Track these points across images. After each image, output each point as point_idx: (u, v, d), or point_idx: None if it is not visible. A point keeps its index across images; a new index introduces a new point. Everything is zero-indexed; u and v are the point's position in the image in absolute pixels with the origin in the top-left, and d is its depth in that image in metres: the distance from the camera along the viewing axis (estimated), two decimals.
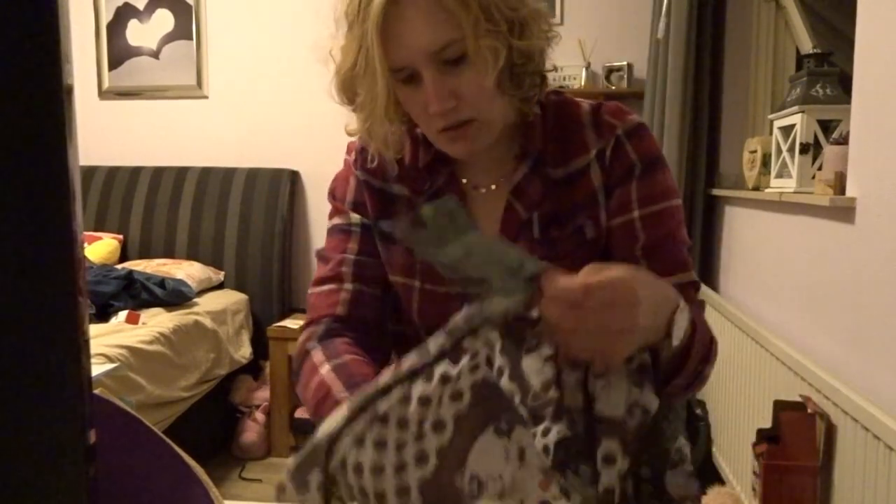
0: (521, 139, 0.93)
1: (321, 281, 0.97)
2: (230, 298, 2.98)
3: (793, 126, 1.92)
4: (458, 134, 0.85)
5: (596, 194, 0.92)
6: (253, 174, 3.24)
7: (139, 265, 2.96)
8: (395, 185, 0.97)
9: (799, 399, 1.59)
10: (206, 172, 3.28)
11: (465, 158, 0.92)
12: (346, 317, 0.94)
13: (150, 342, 2.27)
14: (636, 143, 0.92)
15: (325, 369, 0.86)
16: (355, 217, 0.98)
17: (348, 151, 1.02)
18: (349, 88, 0.91)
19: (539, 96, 0.92)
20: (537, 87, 0.90)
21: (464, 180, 0.96)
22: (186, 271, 2.92)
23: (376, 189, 0.97)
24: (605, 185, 0.92)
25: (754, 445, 1.63)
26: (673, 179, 0.95)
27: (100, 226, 3.28)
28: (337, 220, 1.00)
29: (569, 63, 3.05)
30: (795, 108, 1.88)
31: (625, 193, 0.91)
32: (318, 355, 0.89)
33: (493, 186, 0.95)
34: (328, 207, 1.09)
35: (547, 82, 0.92)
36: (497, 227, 0.93)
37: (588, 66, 3.00)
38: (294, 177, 3.29)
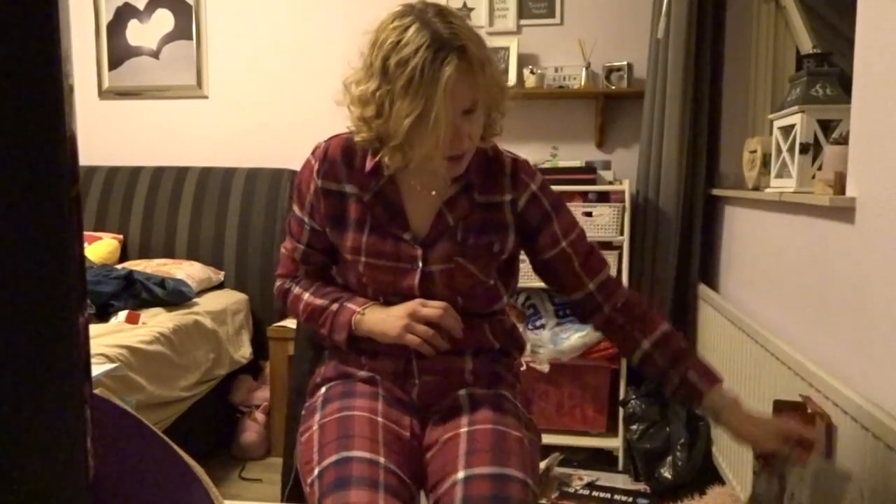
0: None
1: (286, 252, 1.40)
2: (230, 298, 2.98)
3: (793, 126, 1.92)
4: (457, 161, 1.19)
5: (507, 225, 1.29)
6: (253, 174, 3.24)
7: (139, 265, 2.96)
8: (346, 185, 1.27)
9: (799, 399, 1.59)
10: (206, 172, 3.28)
11: (443, 179, 1.25)
12: (303, 277, 1.39)
13: (150, 342, 2.27)
14: (546, 194, 1.31)
15: (307, 295, 1.34)
16: (309, 220, 1.33)
17: (314, 154, 1.31)
18: (379, 114, 1.15)
19: (488, 143, 1.28)
20: (492, 136, 1.27)
21: (409, 182, 1.27)
22: (186, 271, 2.92)
23: (333, 192, 1.28)
24: (520, 224, 1.30)
25: None
26: (572, 214, 1.36)
27: (100, 226, 3.28)
28: (298, 212, 1.35)
29: (569, 63, 3.05)
30: (795, 108, 1.88)
31: (551, 233, 1.31)
32: (297, 290, 1.36)
33: (433, 192, 1.27)
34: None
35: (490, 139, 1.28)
36: (429, 224, 1.26)
37: (588, 66, 3.00)
38: (294, 177, 3.29)
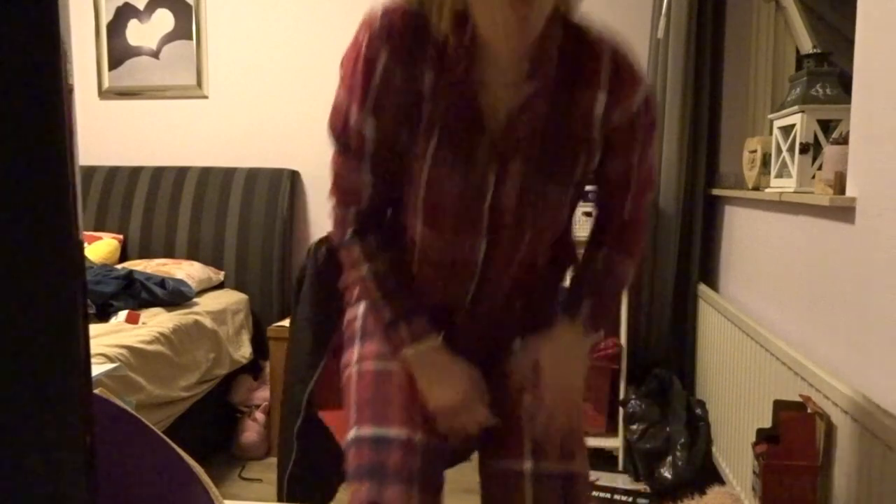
0: (537, 57, 1.01)
1: (348, 168, 1.09)
2: (230, 298, 2.98)
3: (793, 126, 1.92)
4: (523, 7, 0.92)
5: (594, 132, 1.05)
6: (253, 174, 3.24)
7: (139, 265, 2.96)
8: (421, 72, 1.01)
9: (799, 399, 1.59)
10: (206, 172, 3.28)
11: (515, 32, 0.95)
12: (367, 209, 1.11)
13: (150, 342, 2.27)
14: (648, 115, 1.07)
15: (365, 269, 1.11)
16: (373, 119, 1.03)
17: (369, 29, 1.00)
18: None
19: (571, 9, 1.03)
20: (573, 5, 1.02)
21: (482, 77, 1.02)
22: (186, 271, 2.92)
23: (404, 80, 1.01)
24: (606, 132, 1.06)
25: (754, 445, 1.63)
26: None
27: (100, 226, 3.28)
28: (355, 116, 1.04)
29: None
30: (795, 107, 1.88)
31: (627, 156, 1.09)
32: (356, 252, 1.12)
33: (509, 77, 1.02)
34: (328, 207, 1.18)
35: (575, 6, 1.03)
36: (501, 129, 1.03)
37: None
38: (294, 177, 3.29)
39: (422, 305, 1.12)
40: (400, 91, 1.02)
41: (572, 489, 1.07)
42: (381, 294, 1.11)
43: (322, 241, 1.80)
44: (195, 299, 2.81)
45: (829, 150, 1.69)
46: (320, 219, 3.28)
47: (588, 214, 2.77)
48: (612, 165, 1.10)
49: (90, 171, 3.36)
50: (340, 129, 1.07)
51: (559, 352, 1.13)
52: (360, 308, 1.22)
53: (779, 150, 2.03)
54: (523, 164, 1.04)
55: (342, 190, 1.11)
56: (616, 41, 1.05)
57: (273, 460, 2.78)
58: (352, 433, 1.09)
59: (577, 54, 1.03)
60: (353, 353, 1.19)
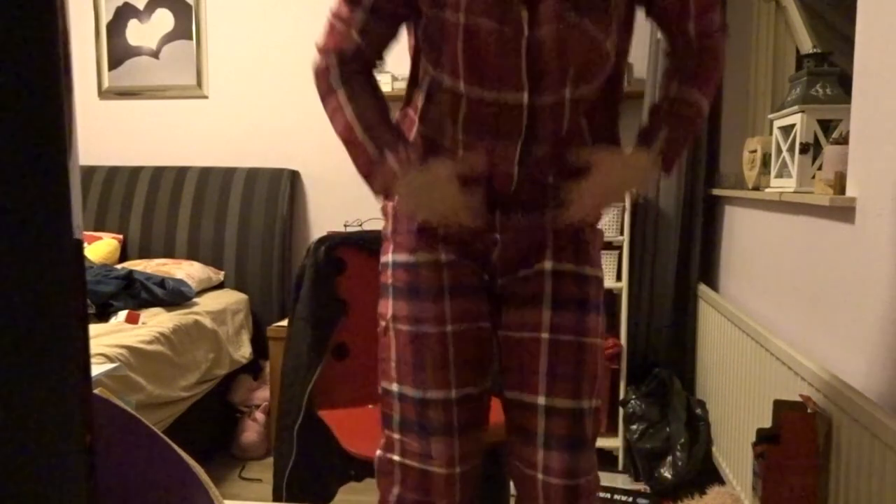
0: None
1: (337, 22, 1.17)
2: (230, 298, 2.98)
3: (793, 126, 1.92)
4: None
5: None
6: (253, 174, 3.24)
7: (139, 265, 2.96)
8: None
9: (799, 399, 1.59)
10: (206, 172, 3.28)
11: None
12: (355, 52, 1.17)
13: (150, 342, 2.27)
14: None
15: (349, 111, 1.15)
16: None
17: None
18: None
19: None
20: None
21: None
22: (186, 271, 2.92)
23: None
24: None
25: (754, 445, 1.63)
26: None
27: (100, 226, 3.28)
28: None
29: None
30: (795, 107, 1.88)
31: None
32: (341, 96, 1.16)
33: None
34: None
35: None
36: None
37: None
38: (294, 177, 3.29)
39: (403, 136, 1.16)
40: None
41: (581, 426, 1.20)
42: (364, 128, 1.14)
43: (322, 240, 1.84)
44: (195, 299, 2.81)
45: (829, 150, 1.69)
46: (320, 219, 3.28)
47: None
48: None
49: (90, 171, 3.36)
50: None
51: (615, 171, 1.14)
52: (389, 256, 1.27)
53: (779, 150, 2.03)
54: (556, 2, 1.06)
55: (331, 35, 1.18)
56: None
57: (273, 460, 2.78)
58: (394, 387, 1.23)
59: None
60: (387, 307, 1.27)
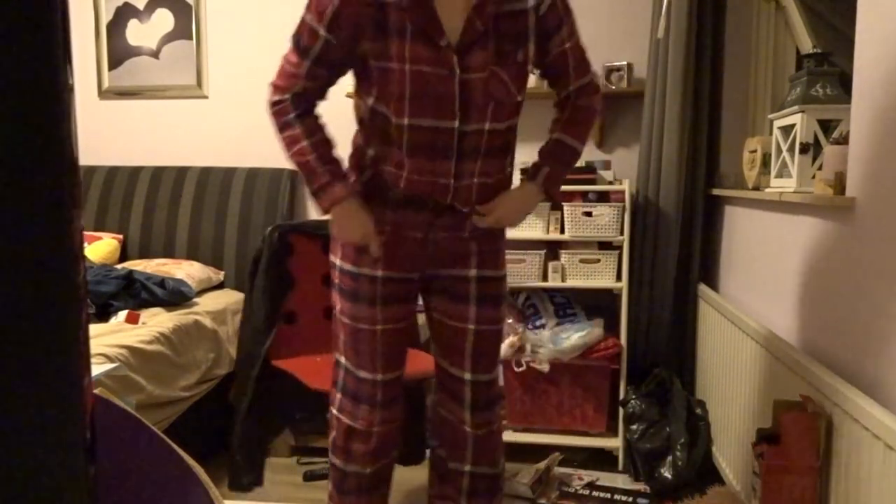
0: None
1: (290, 67, 1.50)
2: (230, 298, 2.98)
3: (793, 126, 1.92)
4: None
5: (528, 33, 1.49)
6: (253, 174, 3.24)
7: (139, 265, 2.96)
8: None
9: (799, 399, 1.59)
10: (206, 172, 3.28)
11: None
12: (303, 92, 1.50)
13: (150, 342, 2.27)
14: (562, 1, 1.51)
15: (305, 143, 1.50)
16: (324, 33, 1.42)
17: None
18: None
19: None
20: None
21: None
22: (186, 271, 2.92)
23: (373, 2, 1.38)
24: (538, 28, 1.49)
25: (754, 445, 1.63)
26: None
27: (100, 226, 3.28)
28: (314, 23, 1.43)
29: None
30: (795, 107, 1.88)
31: (560, 36, 1.53)
32: (298, 129, 1.50)
33: None
34: (272, 101, 1.56)
35: None
36: (460, 31, 1.42)
37: None
38: (294, 177, 3.29)
39: (343, 171, 1.53)
40: (363, 11, 1.37)
41: (493, 389, 1.71)
42: (320, 161, 1.50)
43: (274, 228, 2.34)
44: (195, 299, 2.81)
45: (829, 150, 1.69)
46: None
47: (588, 214, 2.77)
48: (549, 46, 1.53)
49: (90, 171, 3.36)
50: (298, 33, 1.46)
51: (514, 197, 1.62)
52: (338, 261, 1.64)
53: (779, 150, 2.03)
54: (481, 52, 1.43)
55: (283, 77, 1.51)
56: None
57: (273, 460, 2.78)
58: (342, 359, 1.67)
59: None
60: (336, 301, 1.66)
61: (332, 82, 1.53)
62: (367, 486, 1.69)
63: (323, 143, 1.52)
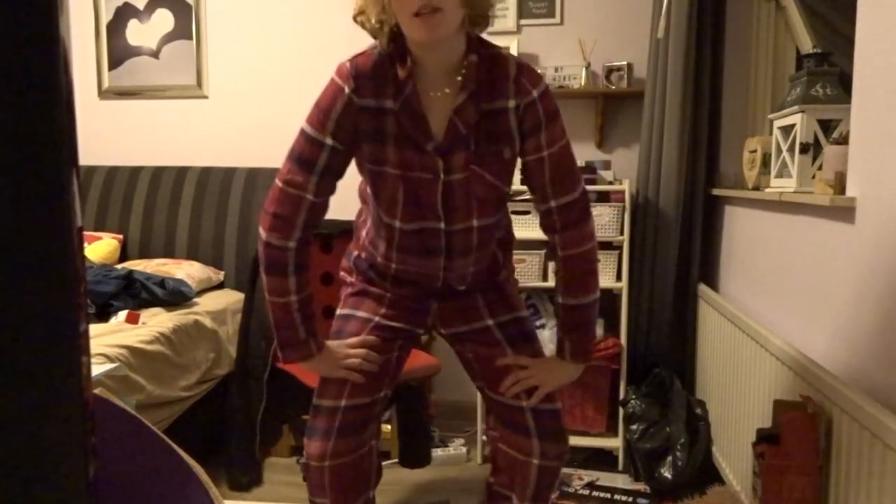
0: (463, 76, 1.36)
1: (291, 183, 1.39)
2: (230, 298, 2.98)
3: (793, 126, 1.92)
4: (427, 19, 1.24)
5: (511, 131, 1.40)
6: (253, 174, 3.24)
7: (139, 265, 2.96)
8: (383, 100, 1.35)
9: (799, 399, 1.59)
10: (206, 172, 3.28)
11: (427, 44, 1.30)
12: (304, 222, 1.41)
13: (150, 342, 2.27)
14: (544, 102, 1.39)
15: (294, 298, 1.44)
16: (330, 140, 1.37)
17: (340, 75, 1.36)
18: None
19: (481, 30, 1.37)
20: (483, 20, 1.35)
21: (420, 84, 1.36)
22: (186, 271, 2.92)
23: (371, 108, 1.36)
24: (519, 127, 1.40)
25: (754, 445, 1.63)
26: (563, 125, 1.45)
27: (100, 226, 3.28)
28: (316, 134, 1.38)
29: (569, 63, 3.05)
30: (795, 107, 1.88)
31: (537, 140, 1.41)
32: (290, 283, 1.43)
33: (445, 90, 1.37)
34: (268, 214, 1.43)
35: (488, 25, 1.37)
36: (443, 132, 1.37)
37: (588, 66, 3.00)
38: None
39: (314, 328, 1.48)
40: (362, 116, 1.36)
41: (559, 422, 1.54)
42: (302, 318, 1.45)
43: None
44: (195, 299, 2.81)
45: (829, 150, 1.69)
46: None
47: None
48: (525, 148, 1.43)
49: (90, 171, 3.36)
50: (299, 151, 1.39)
51: (552, 368, 1.55)
52: (346, 309, 1.60)
53: (779, 150, 2.03)
54: (462, 153, 1.38)
55: (285, 203, 1.40)
56: (520, 61, 1.40)
57: (273, 460, 2.78)
58: (315, 395, 1.54)
59: (491, 72, 1.37)
60: (341, 305, 1.62)
61: (333, 191, 1.45)
62: None
63: (308, 301, 1.47)
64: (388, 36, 1.33)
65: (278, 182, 1.40)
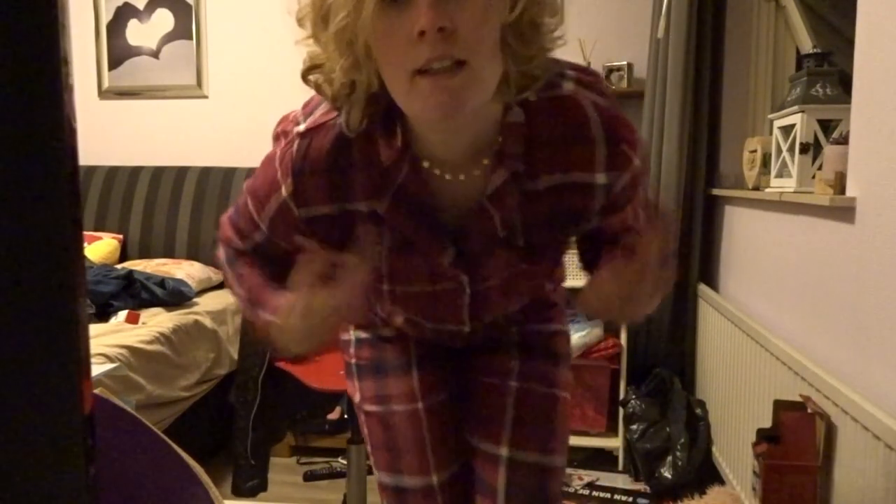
0: (501, 145, 0.84)
1: (231, 244, 1.00)
2: (230, 298, 2.97)
3: (793, 126, 1.92)
4: (443, 80, 0.71)
5: (591, 211, 0.89)
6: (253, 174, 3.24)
7: (139, 265, 2.96)
8: (352, 201, 0.88)
9: (799, 399, 1.59)
10: (206, 172, 3.28)
11: (439, 125, 0.80)
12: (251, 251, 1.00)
13: (150, 342, 2.27)
14: (645, 172, 0.92)
15: (258, 273, 0.98)
16: (267, 231, 0.95)
17: (281, 163, 0.88)
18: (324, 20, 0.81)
19: (533, 90, 0.82)
20: (532, 80, 0.81)
21: (425, 164, 0.86)
22: (186, 271, 2.92)
23: (325, 216, 0.89)
24: (603, 206, 0.89)
25: (754, 445, 1.63)
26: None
27: (100, 226, 3.28)
28: (254, 214, 0.94)
29: None
30: (795, 107, 1.88)
31: (622, 216, 0.94)
32: (253, 270, 0.99)
33: (473, 172, 0.86)
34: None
35: (540, 84, 0.83)
36: (468, 233, 0.90)
37: (588, 66, 3.00)
38: None
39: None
40: (321, 225, 0.89)
41: (546, 481, 1.06)
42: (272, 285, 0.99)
43: None
44: (195, 299, 2.81)
45: (829, 150, 1.69)
46: None
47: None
48: (608, 222, 0.95)
49: (90, 171, 3.36)
50: (237, 212, 0.99)
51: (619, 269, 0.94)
52: (351, 333, 1.18)
53: (779, 150, 2.03)
54: (505, 253, 0.92)
55: (226, 235, 1.02)
56: (601, 104, 0.89)
57: (273, 460, 2.78)
58: (377, 475, 1.13)
59: (553, 129, 0.85)
60: (354, 389, 1.16)
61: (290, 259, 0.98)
62: None
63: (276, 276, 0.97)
64: (364, 104, 0.81)
65: (219, 235, 1.05)
